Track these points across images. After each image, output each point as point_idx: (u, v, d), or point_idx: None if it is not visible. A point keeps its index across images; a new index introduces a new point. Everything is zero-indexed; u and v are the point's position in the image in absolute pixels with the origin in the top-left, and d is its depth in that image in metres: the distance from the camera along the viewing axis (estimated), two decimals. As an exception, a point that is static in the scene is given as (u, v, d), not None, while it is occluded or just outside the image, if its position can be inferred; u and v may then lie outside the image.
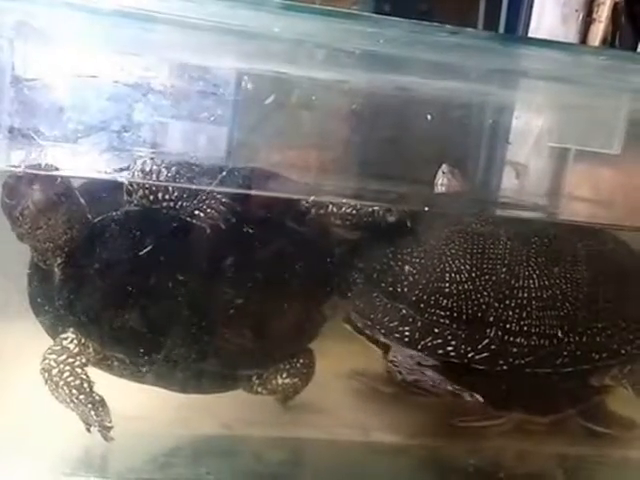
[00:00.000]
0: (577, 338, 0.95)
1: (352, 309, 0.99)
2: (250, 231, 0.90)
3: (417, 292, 0.95)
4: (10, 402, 0.92)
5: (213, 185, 0.86)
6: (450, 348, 0.93)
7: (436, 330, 0.94)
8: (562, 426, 1.05)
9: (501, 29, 1.48)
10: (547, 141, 1.22)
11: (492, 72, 0.91)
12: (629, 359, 0.99)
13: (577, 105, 1.06)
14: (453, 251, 0.96)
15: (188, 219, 0.87)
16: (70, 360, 0.87)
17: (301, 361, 0.98)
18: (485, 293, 0.94)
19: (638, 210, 1.07)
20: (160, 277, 0.88)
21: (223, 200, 0.87)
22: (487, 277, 0.94)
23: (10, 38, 0.81)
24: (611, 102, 0.97)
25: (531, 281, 0.95)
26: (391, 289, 0.96)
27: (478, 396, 0.92)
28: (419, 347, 0.94)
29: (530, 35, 1.31)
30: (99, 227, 0.88)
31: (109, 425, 0.86)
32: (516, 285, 0.94)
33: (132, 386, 0.93)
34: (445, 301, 0.93)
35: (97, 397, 0.87)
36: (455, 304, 0.93)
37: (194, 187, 0.86)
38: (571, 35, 1.25)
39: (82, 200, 0.88)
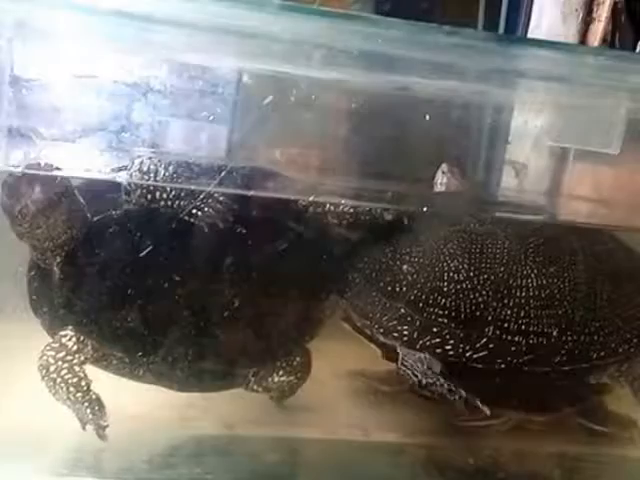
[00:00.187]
0: (575, 337, 0.96)
1: (351, 308, 0.99)
2: (248, 230, 0.90)
3: (415, 291, 0.95)
4: (7, 403, 0.92)
5: (212, 186, 0.86)
6: (448, 347, 0.94)
7: (434, 329, 0.94)
8: (561, 425, 1.05)
9: (501, 28, 1.48)
10: (546, 141, 1.22)
11: (491, 72, 0.91)
12: (627, 357, 0.99)
13: (576, 105, 1.06)
14: (451, 250, 0.96)
15: (186, 218, 0.87)
16: (68, 358, 0.88)
17: (297, 359, 0.99)
18: (483, 292, 0.94)
19: (637, 209, 1.07)
20: (159, 276, 0.88)
21: (221, 199, 0.87)
22: (485, 276, 0.94)
23: (9, 38, 0.80)
24: (610, 102, 0.97)
25: (529, 280, 0.95)
26: (389, 288, 0.96)
27: (486, 408, 0.92)
28: (417, 346, 0.94)
29: (530, 34, 1.31)
30: (98, 226, 0.89)
31: (104, 424, 0.87)
32: (514, 284, 0.95)
33: (129, 385, 0.93)
34: (443, 300, 0.94)
35: (94, 396, 0.88)
36: (453, 303, 0.94)
37: (191, 187, 0.86)
38: (571, 34, 1.25)
39: (81, 199, 0.88)
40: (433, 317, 0.94)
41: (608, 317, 0.98)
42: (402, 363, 0.94)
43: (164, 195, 0.87)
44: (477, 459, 1.00)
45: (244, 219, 0.89)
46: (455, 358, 0.94)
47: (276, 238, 0.93)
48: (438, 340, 0.94)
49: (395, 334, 0.95)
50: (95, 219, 0.89)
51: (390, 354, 0.99)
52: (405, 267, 0.96)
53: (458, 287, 0.94)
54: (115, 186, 0.88)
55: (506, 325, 0.94)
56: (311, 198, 0.93)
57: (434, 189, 1.15)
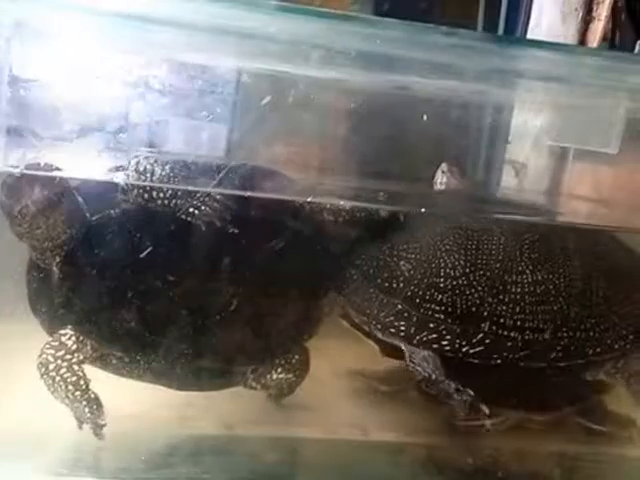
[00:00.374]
0: (570, 333, 0.96)
1: (348, 305, 0.99)
2: (245, 228, 0.90)
3: (412, 287, 0.95)
4: (6, 403, 0.92)
5: (211, 185, 0.86)
6: (445, 342, 0.94)
7: (431, 325, 0.94)
8: (560, 424, 1.05)
9: (500, 27, 1.48)
10: (546, 140, 1.22)
11: (489, 72, 0.91)
12: (623, 354, 0.99)
13: (575, 105, 1.06)
14: (447, 247, 0.96)
15: (183, 217, 0.88)
16: (68, 356, 0.88)
17: (296, 357, 0.99)
18: (479, 288, 0.94)
19: (635, 209, 1.07)
20: (158, 275, 0.88)
21: (218, 198, 0.87)
22: (481, 272, 0.95)
23: (7, 38, 0.81)
24: (609, 102, 0.97)
25: (524, 276, 0.96)
26: (387, 284, 0.97)
27: (486, 409, 0.92)
28: (415, 342, 0.95)
29: (529, 33, 1.31)
30: (97, 226, 0.89)
31: (102, 423, 0.87)
32: (510, 280, 0.95)
33: (128, 385, 0.94)
34: (440, 296, 0.94)
35: (92, 395, 0.88)
36: (450, 299, 0.94)
37: (188, 187, 0.86)
38: (570, 34, 1.25)
39: (80, 199, 0.88)
40: (430, 313, 0.94)
41: (604, 313, 0.98)
42: (410, 360, 0.94)
43: (160, 194, 0.87)
44: (477, 458, 1.00)
45: (242, 217, 0.89)
46: (452, 353, 0.94)
47: (274, 236, 0.93)
48: (435, 335, 0.94)
49: (392, 330, 0.96)
50: (94, 219, 0.89)
51: (388, 350, 0.99)
52: (402, 263, 0.97)
53: (454, 283, 0.94)
54: (113, 186, 0.88)
55: (502, 321, 0.94)
56: (309, 199, 0.93)
57: (434, 189, 1.16)
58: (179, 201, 0.87)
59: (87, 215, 0.89)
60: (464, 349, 0.94)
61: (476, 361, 0.94)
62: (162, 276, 0.88)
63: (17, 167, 0.82)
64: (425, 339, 0.94)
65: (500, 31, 1.47)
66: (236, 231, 0.89)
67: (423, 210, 1.02)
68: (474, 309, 0.94)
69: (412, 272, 0.96)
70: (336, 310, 1.01)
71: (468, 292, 0.94)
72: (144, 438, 0.95)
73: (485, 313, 0.94)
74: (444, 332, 0.94)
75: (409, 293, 0.95)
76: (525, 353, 0.95)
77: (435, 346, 0.94)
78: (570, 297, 0.96)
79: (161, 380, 0.94)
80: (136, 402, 0.95)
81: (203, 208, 0.87)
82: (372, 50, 0.82)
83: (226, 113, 0.99)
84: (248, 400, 1.01)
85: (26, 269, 0.93)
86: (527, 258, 0.96)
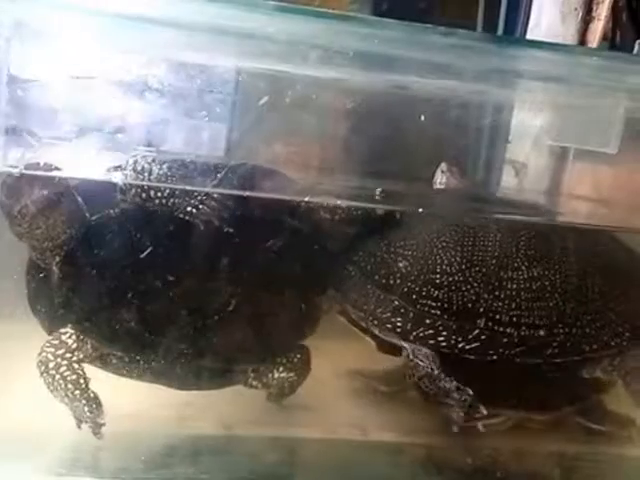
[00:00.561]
0: (566, 329, 0.96)
1: (346, 301, 1.00)
2: (244, 227, 0.90)
3: (409, 284, 0.96)
4: (6, 403, 0.92)
5: (209, 185, 0.86)
6: (441, 338, 0.95)
7: (427, 321, 0.95)
8: (560, 424, 1.05)
9: (500, 27, 1.48)
10: (546, 140, 1.22)
11: (490, 72, 0.91)
12: (619, 351, 0.99)
13: (575, 105, 1.06)
14: (444, 243, 0.97)
15: (181, 216, 0.88)
16: (68, 355, 0.88)
17: (298, 356, 0.99)
18: (475, 284, 0.95)
19: (635, 208, 1.07)
20: (157, 274, 0.88)
21: (216, 197, 0.88)
22: (477, 269, 0.96)
23: (7, 38, 0.81)
24: (608, 102, 0.97)
25: (520, 272, 0.96)
26: (384, 281, 0.97)
27: (483, 409, 0.92)
28: (411, 337, 0.95)
29: (529, 33, 1.31)
30: (96, 226, 0.89)
31: (101, 422, 0.87)
32: (505, 277, 0.96)
33: (127, 385, 0.94)
34: (436, 292, 0.95)
35: (92, 394, 0.88)
36: (446, 295, 0.95)
37: (186, 187, 0.87)
38: (570, 34, 1.25)
39: (80, 199, 0.88)
40: (426, 309, 0.95)
41: (600, 310, 0.98)
42: (414, 356, 0.95)
43: (158, 193, 0.87)
44: (476, 459, 1.00)
45: (240, 216, 0.90)
46: (448, 349, 0.95)
47: (272, 234, 0.93)
48: (431, 332, 0.95)
49: (389, 326, 0.96)
50: (93, 218, 0.89)
51: (385, 347, 1.00)
52: (399, 260, 0.97)
53: (450, 279, 0.95)
54: (112, 185, 0.88)
55: (498, 317, 0.95)
56: (307, 199, 0.93)
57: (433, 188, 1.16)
58: (177, 200, 0.87)
59: (86, 215, 0.89)
60: (460, 345, 0.94)
61: (472, 357, 0.95)
62: (162, 275, 0.88)
63: (17, 167, 0.82)
64: (421, 335, 0.95)
65: (500, 31, 1.47)
66: (235, 230, 0.89)
67: (421, 210, 1.03)
68: (470, 305, 0.95)
69: (409, 268, 0.97)
70: (334, 307, 1.01)
71: (464, 288, 0.95)
72: (143, 438, 0.95)
73: (481, 309, 0.94)
74: (440, 328, 0.95)
75: (405, 289, 0.96)
76: (521, 349, 0.95)
77: (431, 342, 0.95)
78: (566, 294, 0.97)
79: (161, 379, 0.94)
80: (135, 402, 0.95)
81: (201, 207, 0.87)
82: (370, 50, 0.82)
83: (225, 113, 0.99)
84: (247, 400, 1.01)
85: (26, 269, 0.93)
86: (523, 254, 0.97)
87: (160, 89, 0.90)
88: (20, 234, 0.87)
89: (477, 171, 1.31)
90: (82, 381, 0.88)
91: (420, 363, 0.94)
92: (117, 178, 0.86)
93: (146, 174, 0.85)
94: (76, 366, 0.89)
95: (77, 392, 0.87)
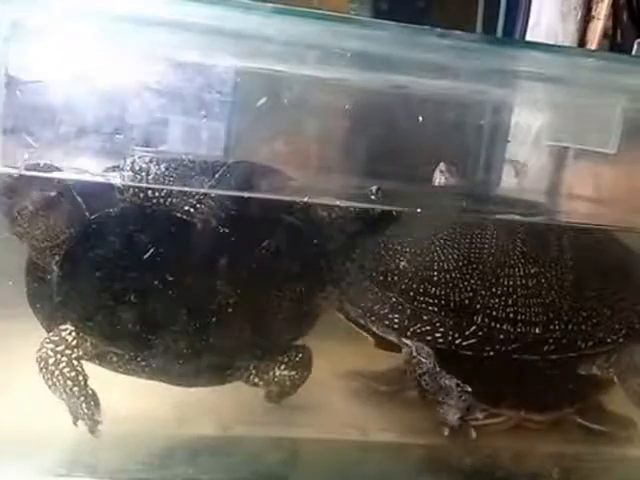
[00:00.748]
0: (562, 326, 0.97)
1: (344, 298, 1.00)
2: (243, 224, 0.90)
3: (406, 281, 0.97)
4: (5, 403, 0.92)
5: (207, 185, 0.86)
6: (438, 335, 0.95)
7: (424, 317, 0.95)
8: (560, 424, 1.05)
9: (500, 27, 1.48)
10: (545, 140, 1.23)
11: (489, 73, 0.92)
12: (615, 348, 0.99)
13: (574, 105, 1.07)
14: (441, 240, 0.98)
15: (179, 215, 0.88)
16: (67, 351, 0.88)
17: (299, 355, 0.99)
18: (472, 281, 0.96)
19: (634, 208, 1.08)
20: (156, 273, 0.88)
21: (214, 196, 0.88)
22: (474, 265, 0.96)
23: (5, 38, 0.81)
24: (607, 102, 0.97)
25: (517, 269, 0.96)
26: (382, 278, 0.98)
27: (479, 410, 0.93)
28: (408, 334, 0.96)
29: (529, 32, 1.31)
30: (95, 225, 0.89)
31: (98, 420, 0.87)
32: (502, 273, 0.96)
33: (126, 384, 0.94)
34: (433, 289, 0.96)
35: (90, 391, 0.88)
36: (443, 292, 0.95)
37: (184, 187, 0.87)
38: (570, 33, 1.25)
39: (79, 199, 0.88)
40: (423, 305, 0.96)
41: (597, 307, 0.99)
42: (417, 352, 0.95)
43: (155, 193, 0.87)
44: (476, 459, 1.00)
45: (238, 214, 0.90)
46: (445, 346, 0.95)
47: (271, 232, 0.93)
48: (428, 328, 0.95)
49: (386, 322, 0.97)
50: (93, 218, 0.89)
51: (384, 344, 1.00)
52: (396, 257, 0.98)
53: (448, 276, 0.96)
54: (111, 185, 0.88)
55: (494, 313, 0.95)
56: (305, 199, 0.94)
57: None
58: (174, 199, 0.87)
59: (86, 215, 0.89)
60: (457, 341, 0.95)
61: (469, 353, 0.95)
62: (161, 274, 0.88)
63: (16, 167, 0.83)
64: (419, 331, 0.95)
65: (499, 30, 1.47)
66: (233, 227, 0.89)
67: (419, 210, 1.03)
68: (467, 302, 0.95)
69: (406, 265, 0.97)
70: (333, 304, 1.02)
71: (461, 285, 0.95)
72: (143, 438, 0.95)
73: (478, 306, 0.95)
74: (437, 325, 0.95)
75: (403, 286, 0.97)
76: (517, 346, 0.95)
77: (428, 338, 0.95)
78: (562, 290, 0.97)
79: (162, 377, 0.94)
80: (134, 402, 0.95)
81: (198, 206, 0.88)
82: (368, 51, 0.82)
83: (224, 113, 0.99)
84: (246, 401, 1.01)
85: (25, 268, 0.93)
86: (520, 251, 0.97)
87: (159, 89, 0.90)
88: (20, 234, 0.87)
89: (477, 171, 1.31)
90: (81, 378, 0.88)
91: (422, 360, 0.94)
92: (115, 178, 0.86)
93: (144, 174, 0.86)
94: (75, 363, 0.88)
95: (75, 389, 0.87)
